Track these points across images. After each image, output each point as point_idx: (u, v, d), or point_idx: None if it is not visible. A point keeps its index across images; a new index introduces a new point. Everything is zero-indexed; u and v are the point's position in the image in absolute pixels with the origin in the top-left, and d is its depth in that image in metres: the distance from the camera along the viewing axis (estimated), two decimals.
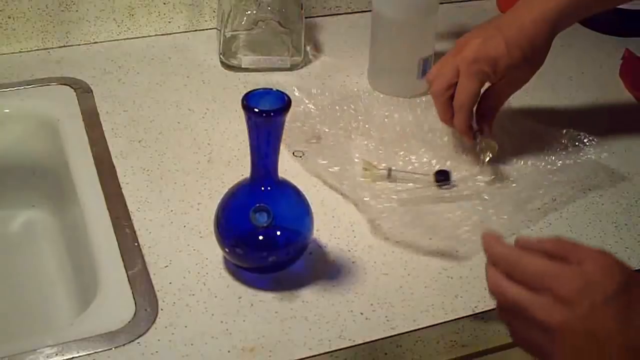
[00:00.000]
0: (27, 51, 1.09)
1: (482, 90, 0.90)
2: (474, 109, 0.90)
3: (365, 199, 0.86)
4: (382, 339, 0.73)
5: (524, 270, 0.60)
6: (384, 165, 0.91)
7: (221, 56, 1.08)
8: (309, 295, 0.76)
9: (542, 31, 0.86)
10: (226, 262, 0.78)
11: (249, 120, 0.70)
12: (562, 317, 0.58)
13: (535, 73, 0.90)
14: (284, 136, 0.72)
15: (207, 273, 0.77)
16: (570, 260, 0.60)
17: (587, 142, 0.97)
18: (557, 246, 0.61)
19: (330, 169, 0.89)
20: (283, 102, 0.70)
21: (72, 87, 1.02)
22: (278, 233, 0.75)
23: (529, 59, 0.87)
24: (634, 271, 0.60)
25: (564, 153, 0.95)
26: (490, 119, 0.92)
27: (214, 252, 0.78)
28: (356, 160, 0.91)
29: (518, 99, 1.00)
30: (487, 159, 0.89)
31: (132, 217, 0.83)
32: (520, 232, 0.84)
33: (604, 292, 0.57)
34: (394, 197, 0.86)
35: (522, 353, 0.64)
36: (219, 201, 0.77)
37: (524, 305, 0.59)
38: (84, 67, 1.07)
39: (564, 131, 0.98)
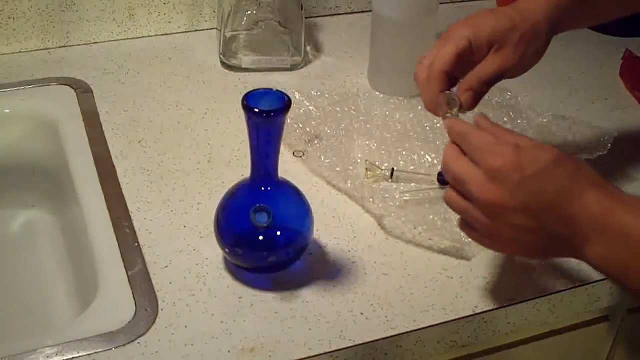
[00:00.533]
0: (27, 51, 1.09)
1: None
2: (458, 86, 0.80)
3: (369, 199, 0.86)
4: (382, 339, 0.73)
5: (469, 143, 0.66)
6: (385, 165, 0.91)
7: (221, 56, 1.08)
8: (309, 295, 0.76)
9: (539, 15, 0.80)
10: (226, 262, 0.78)
11: (249, 120, 0.70)
12: (491, 193, 0.64)
13: (525, 62, 0.81)
14: (284, 136, 0.72)
15: (207, 273, 0.77)
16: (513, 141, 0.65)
17: (588, 141, 0.97)
18: (505, 131, 0.68)
19: (332, 169, 0.89)
20: (283, 102, 0.70)
21: (72, 87, 1.02)
22: (278, 233, 0.75)
23: (521, 36, 0.79)
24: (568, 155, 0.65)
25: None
26: (474, 93, 0.80)
27: (214, 252, 0.78)
28: (358, 160, 0.91)
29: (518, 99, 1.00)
30: (449, 114, 0.76)
31: (132, 217, 0.83)
32: None
33: (535, 165, 0.63)
34: (396, 197, 0.87)
35: (523, 353, 0.64)
36: (219, 201, 0.77)
37: (462, 177, 0.66)
38: (84, 67, 1.07)
39: (564, 131, 0.99)
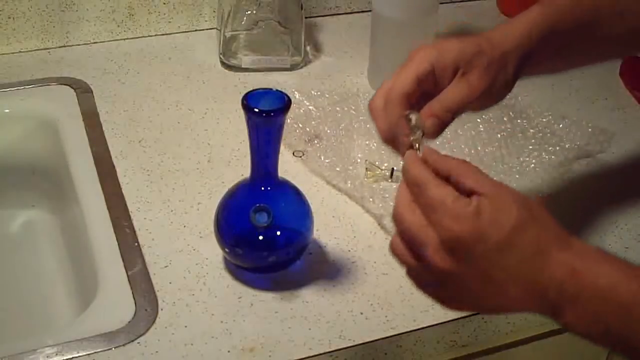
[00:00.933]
0: (27, 51, 1.09)
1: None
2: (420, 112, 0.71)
3: (370, 199, 0.86)
4: (382, 339, 0.73)
5: (425, 198, 0.60)
6: (385, 165, 0.91)
7: (221, 56, 1.08)
8: (309, 295, 0.76)
9: (508, 44, 0.73)
10: (226, 262, 0.78)
11: (249, 120, 0.70)
12: (447, 263, 0.59)
13: (493, 92, 0.74)
14: (284, 136, 0.72)
15: (207, 273, 0.77)
16: (474, 191, 0.60)
17: (588, 141, 0.98)
18: (462, 172, 0.61)
19: (332, 169, 0.89)
20: (283, 102, 0.70)
21: (72, 87, 1.02)
22: (278, 233, 0.75)
23: (489, 63, 0.72)
24: (535, 205, 0.60)
25: (564, 153, 0.95)
26: (439, 121, 0.71)
27: (214, 252, 0.78)
28: (358, 160, 0.91)
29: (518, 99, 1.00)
30: (417, 143, 0.68)
31: (132, 217, 0.83)
32: None
33: (497, 234, 0.58)
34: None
35: (523, 353, 0.64)
36: (219, 201, 0.77)
37: (417, 238, 0.60)
38: (84, 67, 1.07)
39: (565, 131, 0.99)
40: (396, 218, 0.62)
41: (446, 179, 0.61)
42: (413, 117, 0.68)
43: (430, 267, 0.59)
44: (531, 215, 0.59)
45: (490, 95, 0.73)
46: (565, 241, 0.59)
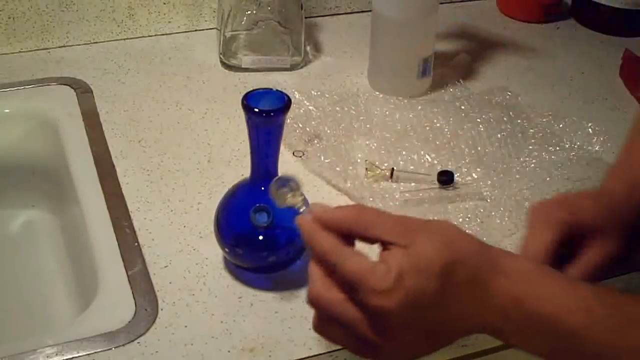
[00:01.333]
0: (27, 51, 1.09)
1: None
2: None
3: (370, 199, 0.86)
4: None
5: (341, 277, 0.56)
6: (385, 165, 0.91)
7: (221, 56, 1.08)
8: None
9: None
10: (226, 262, 0.78)
11: (249, 120, 0.70)
12: (381, 337, 0.56)
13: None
14: (284, 136, 0.72)
15: (207, 273, 0.77)
16: (383, 242, 0.57)
17: (588, 141, 0.98)
18: (364, 224, 0.58)
19: (332, 169, 0.90)
20: (283, 102, 0.70)
21: (72, 87, 1.02)
22: (278, 233, 0.75)
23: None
24: (450, 236, 0.57)
25: (564, 153, 0.95)
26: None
27: (214, 252, 0.78)
28: (358, 160, 0.91)
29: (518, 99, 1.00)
30: (299, 205, 0.63)
31: (132, 217, 0.83)
32: (520, 231, 0.84)
33: (421, 306, 0.55)
34: (396, 197, 0.87)
35: (523, 353, 0.64)
36: (219, 201, 0.77)
37: (344, 321, 0.57)
38: (84, 67, 1.07)
39: (565, 131, 0.99)
40: (314, 304, 0.58)
41: (349, 234, 0.58)
42: (288, 187, 0.64)
43: (367, 342, 0.57)
44: (451, 253, 0.56)
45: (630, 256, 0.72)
46: (494, 266, 0.57)
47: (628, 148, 0.78)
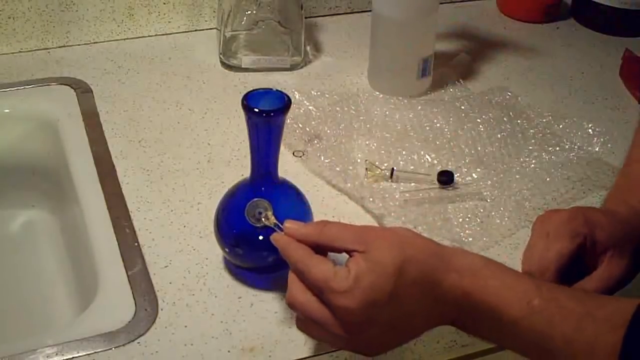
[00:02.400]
0: (27, 51, 1.09)
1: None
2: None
3: (370, 199, 0.86)
4: None
5: (310, 281, 0.63)
6: (385, 165, 0.91)
7: (221, 56, 1.08)
8: None
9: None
10: (226, 262, 0.78)
11: (249, 120, 0.70)
12: (347, 331, 0.63)
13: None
14: (284, 136, 0.72)
15: (207, 273, 0.77)
16: (347, 251, 0.64)
17: (588, 142, 0.98)
18: (327, 238, 0.65)
19: (332, 169, 0.90)
20: (283, 102, 0.70)
21: (72, 87, 1.02)
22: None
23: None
24: (404, 237, 0.64)
25: (564, 153, 0.95)
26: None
27: (214, 252, 0.78)
28: (358, 160, 0.91)
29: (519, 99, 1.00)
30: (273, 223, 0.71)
31: (132, 217, 0.83)
32: (520, 231, 0.84)
33: (379, 303, 0.61)
34: (396, 197, 0.87)
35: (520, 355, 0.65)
36: (219, 201, 0.77)
37: (317, 320, 0.64)
38: (84, 67, 1.07)
39: (565, 131, 0.99)
40: (290, 304, 0.65)
41: (317, 247, 0.65)
42: (263, 208, 0.72)
43: (338, 336, 0.64)
44: (404, 254, 0.62)
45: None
46: (447, 264, 0.63)
47: (625, 172, 0.82)
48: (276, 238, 0.67)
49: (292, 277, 0.65)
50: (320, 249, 0.66)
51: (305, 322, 0.66)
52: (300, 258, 0.64)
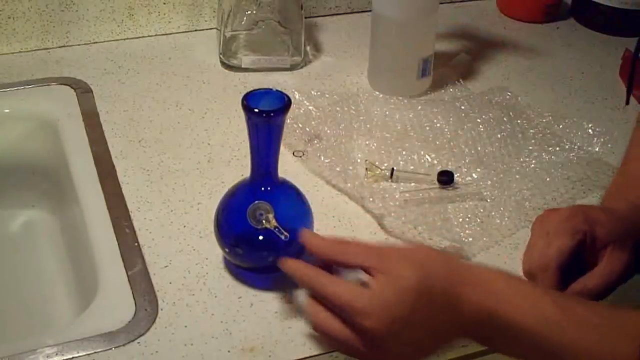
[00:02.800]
0: (27, 51, 1.09)
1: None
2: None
3: (370, 199, 0.86)
4: None
5: (329, 303, 0.64)
6: (385, 165, 0.91)
7: (221, 56, 1.08)
8: None
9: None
10: (226, 262, 0.78)
11: (249, 120, 0.70)
12: (373, 350, 0.63)
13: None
14: (284, 136, 0.72)
15: (207, 273, 0.77)
16: (363, 267, 0.64)
17: (588, 142, 0.97)
18: (341, 254, 0.66)
19: (332, 169, 0.90)
20: (283, 102, 0.70)
21: (72, 87, 1.02)
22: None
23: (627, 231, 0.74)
24: (420, 254, 0.65)
25: (564, 152, 0.95)
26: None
27: (214, 252, 0.78)
28: (358, 160, 0.91)
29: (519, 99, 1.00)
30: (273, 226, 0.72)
31: (132, 217, 0.83)
32: (520, 231, 0.84)
33: (405, 307, 0.62)
34: (396, 197, 0.87)
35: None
36: (218, 201, 0.77)
37: (342, 341, 0.65)
38: (84, 67, 1.07)
39: (565, 131, 0.99)
40: (316, 330, 0.67)
41: (331, 260, 0.67)
42: (264, 210, 0.72)
43: (363, 354, 0.64)
44: (423, 269, 0.63)
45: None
46: (465, 277, 0.64)
47: (623, 171, 0.82)
48: (288, 264, 0.68)
49: (311, 302, 0.66)
50: (331, 264, 0.67)
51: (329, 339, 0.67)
52: (316, 280, 0.65)
